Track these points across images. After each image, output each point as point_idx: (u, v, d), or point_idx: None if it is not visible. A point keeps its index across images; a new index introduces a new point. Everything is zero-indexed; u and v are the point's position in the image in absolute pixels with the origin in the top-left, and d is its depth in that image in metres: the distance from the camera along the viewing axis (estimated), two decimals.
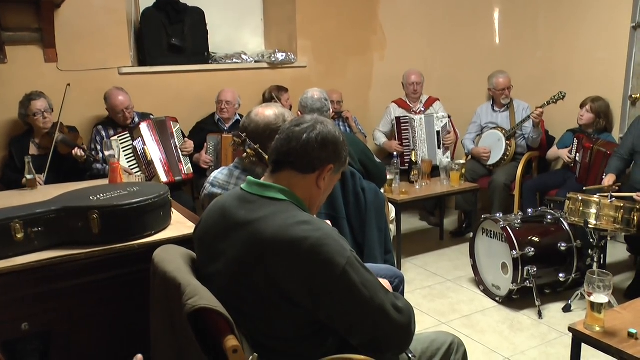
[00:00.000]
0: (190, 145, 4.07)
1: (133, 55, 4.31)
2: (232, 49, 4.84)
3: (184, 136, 4.14)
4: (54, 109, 3.64)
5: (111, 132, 3.89)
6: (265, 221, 1.46)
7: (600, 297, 1.96)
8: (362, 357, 1.54)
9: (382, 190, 3.24)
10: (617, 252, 4.03)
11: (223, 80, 4.53)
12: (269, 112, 2.28)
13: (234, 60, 4.70)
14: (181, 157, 3.99)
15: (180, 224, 2.12)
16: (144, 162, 3.82)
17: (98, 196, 1.98)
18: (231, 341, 1.36)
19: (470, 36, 5.21)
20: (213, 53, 4.64)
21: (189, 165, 4.03)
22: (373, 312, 1.43)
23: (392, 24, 5.38)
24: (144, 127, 3.84)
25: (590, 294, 1.97)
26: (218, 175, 2.35)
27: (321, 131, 1.55)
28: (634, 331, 1.92)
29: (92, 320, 1.95)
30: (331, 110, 3.77)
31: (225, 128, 4.30)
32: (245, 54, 4.77)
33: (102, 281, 1.92)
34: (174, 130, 4.02)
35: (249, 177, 1.62)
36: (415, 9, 5.37)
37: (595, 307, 1.97)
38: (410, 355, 1.69)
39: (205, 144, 4.17)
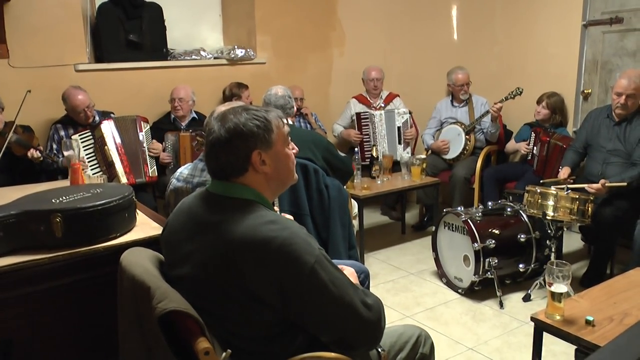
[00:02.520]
0: (158, 147, 4.01)
1: (89, 51, 4.22)
2: (191, 45, 4.79)
3: (152, 137, 4.07)
4: (4, 108, 3.51)
5: (71, 131, 3.80)
6: (232, 222, 1.46)
7: (560, 287, 2.03)
8: (333, 354, 1.56)
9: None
10: (572, 242, 4.18)
11: (182, 77, 4.49)
12: None
13: (193, 56, 4.66)
14: (147, 158, 3.93)
15: (145, 225, 2.09)
16: (104, 162, 3.74)
17: (60, 199, 1.94)
18: (202, 343, 1.36)
19: (428, 32, 5.30)
20: (172, 49, 4.59)
21: (155, 167, 3.97)
22: (343, 310, 1.45)
23: (350, 20, 5.42)
24: (105, 126, 3.76)
25: (550, 284, 2.04)
26: (183, 170, 2.39)
27: (220, 136, 1.48)
28: (590, 318, 2.00)
29: (56, 327, 1.90)
30: (295, 107, 3.79)
31: (182, 126, 4.26)
32: (204, 50, 4.73)
33: (66, 286, 1.87)
34: (144, 130, 3.95)
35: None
36: (373, 5, 5.42)
37: (556, 296, 2.04)
38: (379, 350, 1.72)
39: (163, 143, 4.12)
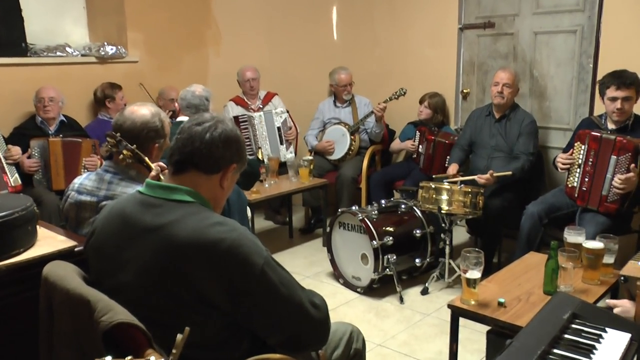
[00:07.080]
0: (16, 151, 3.69)
1: None
2: (53, 40, 4.48)
3: (5, 142, 3.74)
4: None
5: None
6: (177, 225, 1.46)
7: (474, 273, 2.26)
8: (278, 355, 1.61)
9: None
10: (459, 234, 4.54)
11: (46, 75, 4.19)
12: (144, 110, 2.24)
13: (58, 53, 4.36)
14: (5, 166, 3.61)
15: (49, 239, 1.97)
16: None
17: None
18: (151, 355, 1.34)
19: (308, 32, 5.46)
20: (31, 44, 4.26)
21: (16, 175, 3.65)
22: (292, 310, 1.51)
23: (227, 18, 5.43)
24: None
25: (465, 271, 2.26)
26: (84, 181, 2.25)
27: (223, 130, 1.58)
28: (502, 300, 2.25)
29: None
30: (211, 110, 3.74)
31: (51, 131, 4.00)
32: (70, 47, 4.46)
33: None
34: None
35: (149, 180, 1.62)
36: (251, 4, 5.48)
37: (470, 282, 2.26)
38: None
39: (29, 150, 3.83)
